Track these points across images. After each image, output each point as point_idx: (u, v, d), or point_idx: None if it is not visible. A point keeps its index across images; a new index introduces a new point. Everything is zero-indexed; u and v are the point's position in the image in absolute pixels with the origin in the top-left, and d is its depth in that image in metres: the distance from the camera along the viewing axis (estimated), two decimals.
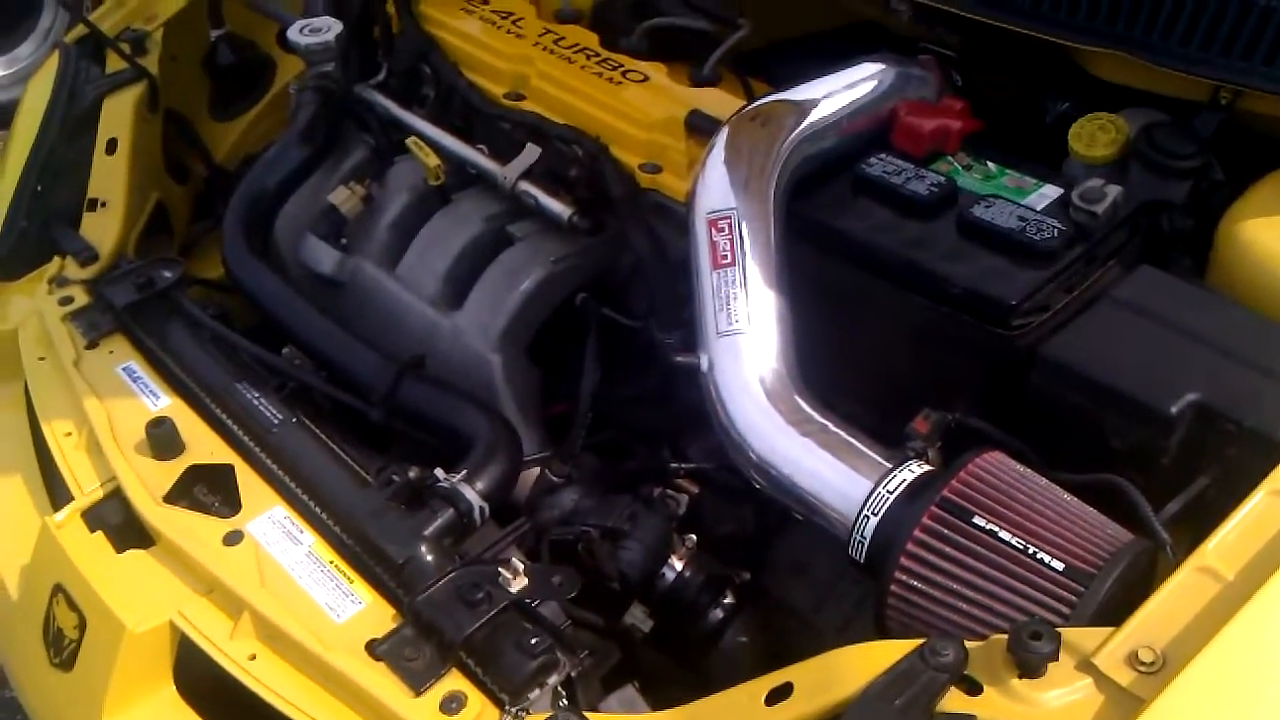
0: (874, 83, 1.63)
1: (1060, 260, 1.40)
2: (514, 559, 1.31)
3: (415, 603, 1.29)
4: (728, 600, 1.60)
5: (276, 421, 1.56)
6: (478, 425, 1.52)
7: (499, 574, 1.30)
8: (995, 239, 1.43)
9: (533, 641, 1.27)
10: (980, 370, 1.42)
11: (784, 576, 1.65)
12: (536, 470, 1.61)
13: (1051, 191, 1.50)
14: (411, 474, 1.44)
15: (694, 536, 1.61)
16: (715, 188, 1.48)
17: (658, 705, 1.42)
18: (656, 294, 1.65)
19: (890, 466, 1.30)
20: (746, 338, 1.40)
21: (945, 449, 1.37)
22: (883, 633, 1.26)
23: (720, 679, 1.61)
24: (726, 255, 1.43)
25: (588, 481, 1.62)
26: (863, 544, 1.27)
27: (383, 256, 1.79)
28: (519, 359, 1.67)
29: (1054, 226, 1.43)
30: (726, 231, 1.44)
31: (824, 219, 1.53)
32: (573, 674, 1.30)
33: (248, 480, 1.50)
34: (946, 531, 1.20)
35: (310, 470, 1.50)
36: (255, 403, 1.59)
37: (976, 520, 1.19)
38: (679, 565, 1.59)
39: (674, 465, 1.64)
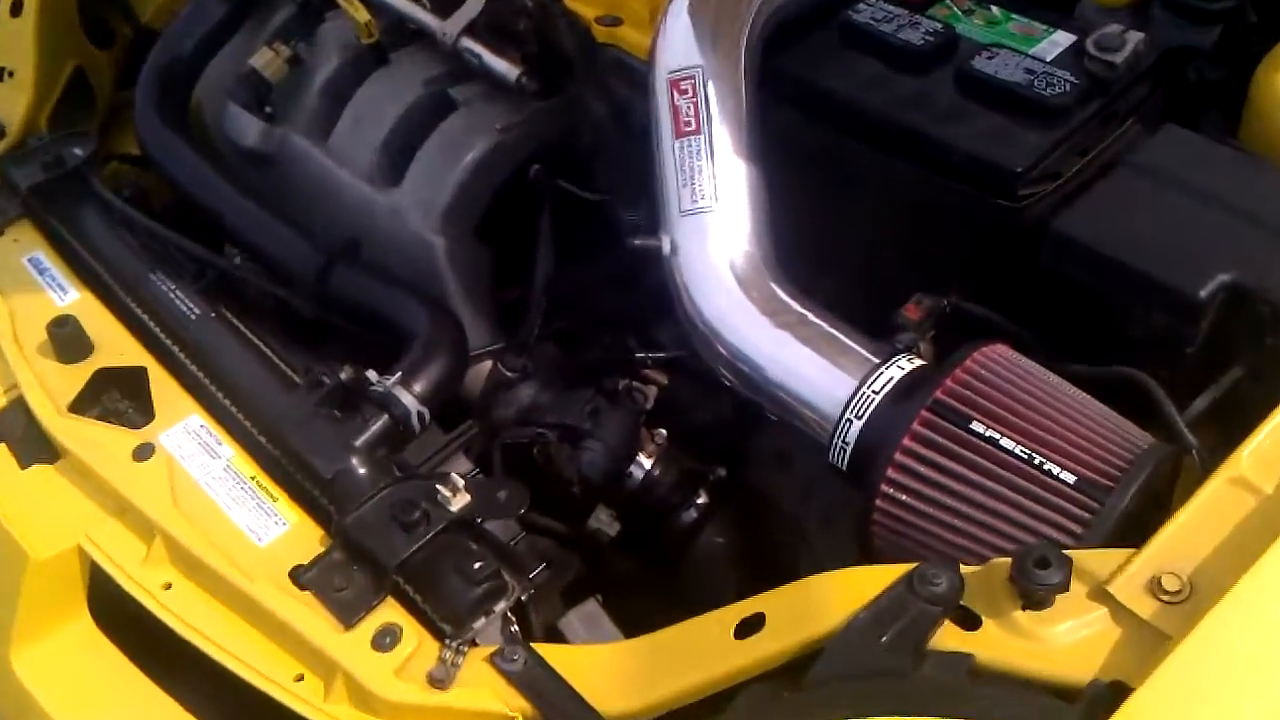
0: None
1: (1073, 119, 1.23)
2: (453, 474, 1.17)
3: (344, 524, 1.15)
4: (701, 500, 1.47)
5: (194, 316, 1.40)
6: (417, 318, 1.36)
7: (438, 491, 1.16)
8: (999, 95, 1.26)
9: (476, 566, 1.13)
10: (980, 247, 1.25)
11: (765, 468, 1.52)
12: (488, 365, 1.46)
13: (1063, 39, 1.32)
14: (343, 375, 1.29)
15: (664, 431, 1.47)
16: (678, 42, 1.29)
17: (625, 618, 1.31)
18: (618, 164, 1.47)
19: (877, 362, 1.15)
20: (714, 216, 1.24)
21: (939, 339, 1.22)
22: (866, 551, 1.12)
23: (695, 583, 1.51)
24: (690, 121, 1.25)
25: (545, 375, 1.46)
26: (845, 450, 1.13)
27: (312, 126, 1.60)
28: (465, 240, 1.50)
29: (1066, 80, 1.25)
30: (690, 94, 1.26)
31: (803, 75, 1.35)
32: (523, 598, 1.17)
33: (162, 384, 1.34)
34: (939, 439, 1.05)
35: (231, 372, 1.35)
36: (170, 295, 1.42)
37: (974, 426, 1.04)
38: (648, 463, 1.45)
39: (640, 355, 1.49)
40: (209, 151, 1.64)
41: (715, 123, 1.25)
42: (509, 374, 1.45)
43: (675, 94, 1.26)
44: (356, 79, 1.60)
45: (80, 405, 1.33)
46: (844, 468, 1.14)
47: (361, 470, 1.21)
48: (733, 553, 1.49)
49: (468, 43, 1.52)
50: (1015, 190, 1.19)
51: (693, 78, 1.26)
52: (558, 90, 1.51)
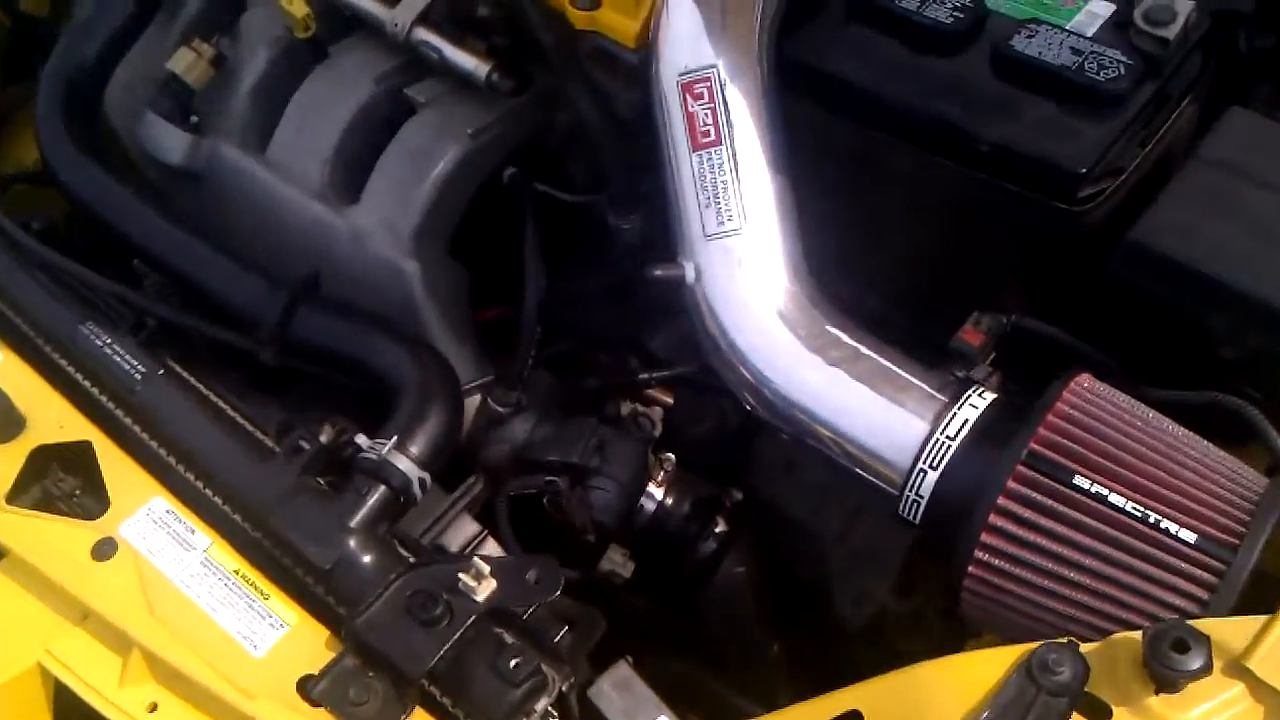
0: None
1: (1130, 106, 1.10)
2: (476, 560, 1.02)
3: (355, 626, 1.00)
4: (720, 528, 1.35)
5: (139, 375, 1.22)
6: (400, 364, 1.19)
7: (459, 579, 1.02)
8: (1045, 81, 1.12)
9: (513, 664, 1.00)
10: (1033, 255, 1.13)
11: (774, 477, 1.40)
12: (476, 399, 1.30)
13: (1102, 9, 1.18)
14: (324, 437, 1.13)
15: (672, 456, 1.34)
16: (685, 36, 1.13)
17: (655, 677, 1.19)
18: (606, 165, 1.31)
19: (946, 401, 1.03)
20: (744, 239, 1.10)
21: (1000, 360, 1.10)
22: (955, 617, 1.01)
23: (717, 617, 1.39)
24: (709, 131, 1.10)
25: (540, 406, 1.32)
26: (918, 504, 1.01)
27: (246, 136, 1.40)
28: (440, 261, 1.33)
29: (1118, 60, 1.12)
30: (707, 98, 1.10)
31: (817, 62, 1.20)
32: (564, 688, 1.04)
33: (112, 461, 1.15)
34: (1039, 497, 0.94)
35: (192, 440, 1.17)
36: (108, 351, 1.24)
37: (1078, 481, 0.93)
38: (659, 493, 1.33)
39: (644, 376, 1.35)
40: (123, 168, 1.44)
41: (738, 131, 1.10)
42: (501, 410, 1.30)
43: (689, 99, 1.10)
44: (293, 78, 1.40)
45: (19, 493, 1.15)
46: (916, 521, 1.02)
47: (365, 557, 1.07)
48: (754, 580, 1.38)
49: (423, 34, 1.33)
50: (1076, 191, 1.07)
51: (708, 79, 1.10)
52: (530, 84, 1.34)
